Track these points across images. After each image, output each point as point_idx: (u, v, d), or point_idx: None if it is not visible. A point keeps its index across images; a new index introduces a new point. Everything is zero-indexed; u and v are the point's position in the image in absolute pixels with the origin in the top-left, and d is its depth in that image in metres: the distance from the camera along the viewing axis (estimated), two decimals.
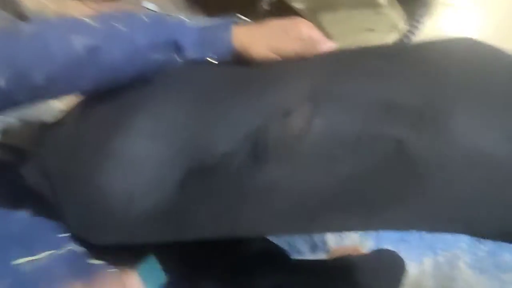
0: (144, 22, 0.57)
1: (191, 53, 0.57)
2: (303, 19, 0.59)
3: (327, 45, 0.55)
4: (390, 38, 0.90)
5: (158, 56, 0.55)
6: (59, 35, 0.52)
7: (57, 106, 0.95)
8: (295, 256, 1.18)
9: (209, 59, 0.56)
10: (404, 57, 0.53)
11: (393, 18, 0.86)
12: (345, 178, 0.45)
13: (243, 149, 0.46)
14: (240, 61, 0.59)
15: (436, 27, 0.88)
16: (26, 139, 0.72)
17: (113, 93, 0.56)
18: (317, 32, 0.57)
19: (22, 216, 0.51)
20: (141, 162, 0.49)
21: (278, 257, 0.72)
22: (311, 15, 0.90)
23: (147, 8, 0.98)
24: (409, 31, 0.85)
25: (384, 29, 0.90)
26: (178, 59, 0.57)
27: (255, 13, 1.04)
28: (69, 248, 0.49)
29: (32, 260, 0.46)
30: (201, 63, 0.58)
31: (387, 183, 0.44)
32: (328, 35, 0.89)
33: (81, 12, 1.10)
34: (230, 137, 0.47)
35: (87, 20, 0.55)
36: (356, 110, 0.46)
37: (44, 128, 0.70)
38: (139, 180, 0.48)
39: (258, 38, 0.58)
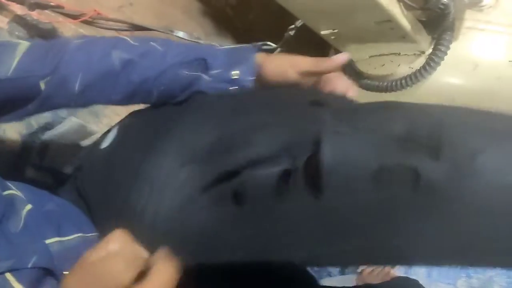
0: (178, 44, 0.61)
1: (218, 70, 0.59)
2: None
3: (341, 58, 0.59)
4: (416, 62, 0.90)
5: (187, 73, 0.59)
6: (102, 49, 0.57)
7: (94, 130, 0.99)
8: (325, 278, 1.19)
9: (233, 75, 0.59)
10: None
11: (419, 43, 0.86)
12: (365, 209, 0.45)
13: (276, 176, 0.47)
14: (262, 84, 0.61)
15: (463, 51, 0.87)
16: (64, 161, 0.76)
17: (147, 118, 0.60)
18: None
19: (58, 200, 0.55)
20: (165, 183, 0.51)
21: (305, 282, 0.73)
22: (338, 42, 0.92)
23: (178, 37, 1.02)
24: (434, 55, 0.85)
25: (410, 53, 0.90)
26: (205, 77, 0.60)
27: (281, 39, 1.06)
28: (97, 234, 0.53)
29: (62, 240, 0.49)
30: (227, 92, 0.61)
31: (403, 213, 0.44)
32: (353, 59, 0.90)
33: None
34: (266, 159, 0.49)
35: (129, 39, 0.60)
36: (373, 141, 0.47)
37: (82, 151, 0.73)
38: (163, 200, 0.50)
39: (281, 61, 0.60)
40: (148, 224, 0.49)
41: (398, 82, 0.89)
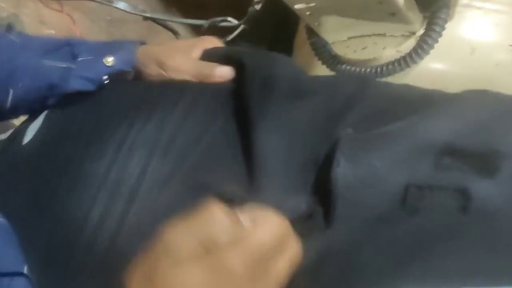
0: (41, 37, 0.56)
1: (86, 56, 0.54)
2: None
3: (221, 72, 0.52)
4: (405, 44, 0.77)
5: (51, 63, 0.53)
6: None
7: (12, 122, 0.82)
8: None
9: (106, 63, 0.53)
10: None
11: (409, 22, 0.73)
12: (389, 242, 0.37)
13: None
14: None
15: (459, 32, 0.75)
16: None
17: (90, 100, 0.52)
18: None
19: None
20: (137, 184, 0.44)
21: None
22: (313, 18, 0.77)
23: (118, 8, 0.84)
24: (427, 36, 0.72)
25: (397, 34, 0.77)
26: (73, 66, 0.53)
27: (243, 17, 0.91)
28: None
29: None
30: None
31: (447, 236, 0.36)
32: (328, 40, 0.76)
33: (40, 13, 0.97)
34: None
35: None
36: (403, 155, 0.38)
37: None
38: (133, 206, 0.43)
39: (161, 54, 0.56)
40: (108, 237, 0.40)
41: (384, 68, 0.76)
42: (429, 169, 0.36)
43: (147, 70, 0.56)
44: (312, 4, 0.73)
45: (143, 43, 0.60)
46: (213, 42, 0.60)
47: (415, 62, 0.74)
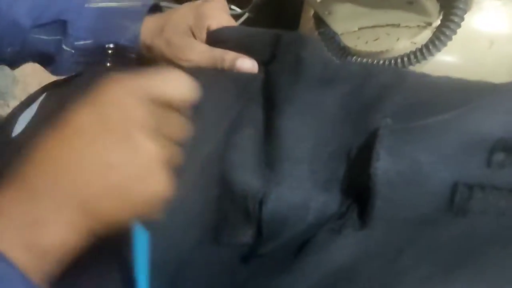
0: None
1: (82, 39, 0.50)
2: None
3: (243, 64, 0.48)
4: (420, 36, 0.73)
5: (43, 37, 0.50)
6: None
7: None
8: None
9: (108, 49, 0.50)
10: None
11: (426, 11, 0.69)
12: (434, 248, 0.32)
13: None
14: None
15: (477, 24, 0.71)
16: None
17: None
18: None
19: None
20: None
21: None
22: (324, 7, 0.73)
23: None
24: (445, 27, 0.68)
25: (412, 25, 0.73)
26: (64, 46, 0.50)
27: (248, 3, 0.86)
28: None
29: None
30: None
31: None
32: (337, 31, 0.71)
33: None
34: None
35: None
36: (452, 151, 0.34)
37: None
38: None
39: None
40: None
41: (399, 60, 0.72)
42: (481, 167, 0.33)
43: (153, 54, 0.52)
44: None
45: (154, 8, 0.55)
46: (222, 1, 0.56)
47: (432, 55, 0.70)
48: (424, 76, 0.42)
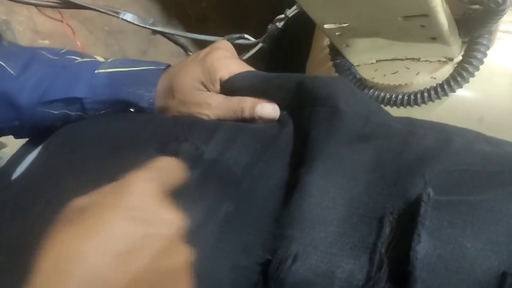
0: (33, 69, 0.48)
1: (96, 110, 0.49)
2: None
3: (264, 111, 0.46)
4: (440, 71, 0.71)
5: (52, 111, 0.48)
6: None
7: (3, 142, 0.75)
8: None
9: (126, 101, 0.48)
10: None
11: (450, 46, 0.67)
12: None
13: None
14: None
15: (499, 60, 0.70)
16: None
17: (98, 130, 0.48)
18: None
19: None
20: None
21: None
22: (342, 40, 0.71)
23: (125, 20, 0.76)
24: (468, 63, 0.67)
25: (433, 59, 0.72)
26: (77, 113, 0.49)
27: (239, 31, 0.84)
28: None
29: None
30: None
31: None
32: (354, 62, 0.69)
33: (34, 21, 0.89)
34: None
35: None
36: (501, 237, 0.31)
37: None
38: None
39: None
40: None
41: (419, 95, 0.70)
42: None
43: (170, 112, 0.49)
44: (345, 25, 0.67)
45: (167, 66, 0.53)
46: (227, 47, 0.54)
47: (453, 91, 0.69)
48: (471, 143, 0.39)
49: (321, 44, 0.89)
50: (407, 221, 0.33)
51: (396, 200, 0.34)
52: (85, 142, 0.47)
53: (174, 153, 0.40)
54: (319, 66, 0.89)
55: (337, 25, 0.67)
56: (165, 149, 0.41)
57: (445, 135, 0.38)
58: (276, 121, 0.46)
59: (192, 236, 0.34)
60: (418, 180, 0.35)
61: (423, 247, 0.31)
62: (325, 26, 0.68)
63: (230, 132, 0.44)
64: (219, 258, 0.35)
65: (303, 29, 0.89)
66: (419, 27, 0.63)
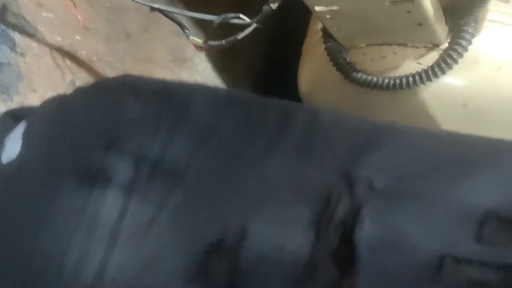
0: None
1: None
2: None
3: None
4: (426, 57, 0.73)
5: None
6: None
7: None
8: None
9: None
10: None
11: (435, 33, 0.69)
12: None
13: None
14: None
15: (484, 48, 0.71)
16: None
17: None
18: None
19: None
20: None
21: None
22: (332, 22, 0.73)
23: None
24: (452, 50, 0.69)
25: (420, 45, 0.73)
26: None
27: (242, 10, 0.85)
28: None
29: None
30: None
31: None
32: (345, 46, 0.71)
33: None
34: None
35: None
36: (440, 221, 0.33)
37: None
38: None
39: None
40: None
41: (404, 80, 0.72)
42: (470, 240, 0.32)
43: None
44: (334, 8, 0.68)
45: None
46: None
47: (437, 76, 0.71)
48: (412, 132, 0.40)
49: (317, 27, 0.91)
50: (353, 202, 0.35)
51: (343, 181, 0.36)
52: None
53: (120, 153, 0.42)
54: (315, 49, 0.91)
55: (327, 8, 0.69)
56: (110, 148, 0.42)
57: (381, 127, 0.40)
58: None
59: (147, 228, 0.37)
60: (363, 164, 0.37)
61: (366, 231, 0.33)
62: (316, 8, 0.70)
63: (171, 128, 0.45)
64: (174, 246, 0.37)
65: (304, 11, 0.90)
66: (406, 12, 0.65)
